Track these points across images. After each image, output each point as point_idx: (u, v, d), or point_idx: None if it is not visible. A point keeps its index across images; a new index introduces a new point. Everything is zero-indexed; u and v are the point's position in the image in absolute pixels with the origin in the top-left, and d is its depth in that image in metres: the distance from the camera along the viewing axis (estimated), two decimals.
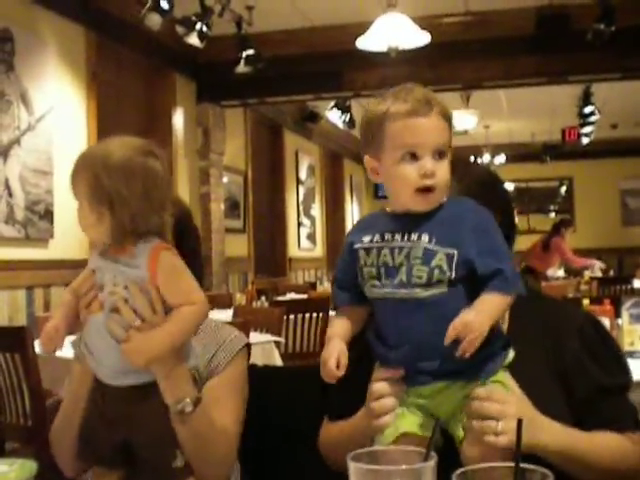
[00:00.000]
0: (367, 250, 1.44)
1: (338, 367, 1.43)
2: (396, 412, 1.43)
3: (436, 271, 1.37)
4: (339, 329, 1.49)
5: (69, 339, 1.68)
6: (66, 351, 1.80)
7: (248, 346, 1.92)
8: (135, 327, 1.51)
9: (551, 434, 1.47)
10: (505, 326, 1.65)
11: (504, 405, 1.39)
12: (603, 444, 1.55)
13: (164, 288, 1.52)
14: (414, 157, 1.40)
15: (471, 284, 1.38)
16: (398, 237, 1.41)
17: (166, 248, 1.53)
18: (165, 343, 1.52)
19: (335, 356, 1.43)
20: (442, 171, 1.41)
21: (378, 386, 1.46)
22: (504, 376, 1.44)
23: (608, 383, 1.63)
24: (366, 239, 1.45)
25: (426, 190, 1.40)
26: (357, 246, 1.46)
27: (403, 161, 1.41)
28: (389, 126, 1.42)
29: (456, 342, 1.33)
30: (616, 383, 1.65)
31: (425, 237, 1.39)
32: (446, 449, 1.38)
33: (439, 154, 1.41)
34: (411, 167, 1.40)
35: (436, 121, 1.41)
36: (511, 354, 1.46)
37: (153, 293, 1.51)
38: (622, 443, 1.58)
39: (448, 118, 1.44)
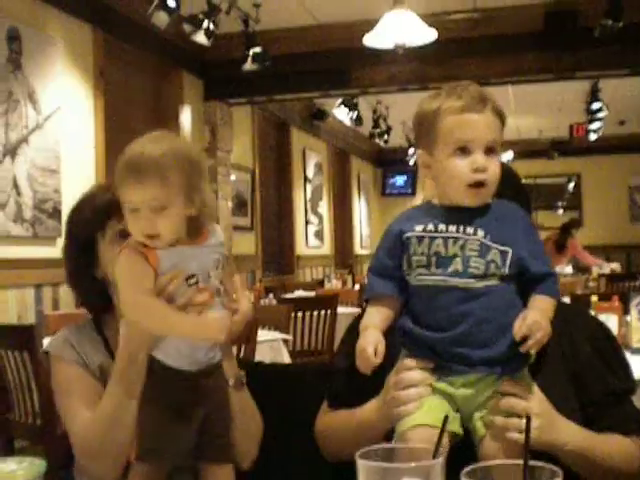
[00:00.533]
0: (419, 239, 1.46)
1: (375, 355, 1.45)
2: (422, 401, 1.44)
3: (492, 265, 1.41)
4: (375, 319, 1.50)
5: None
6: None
7: None
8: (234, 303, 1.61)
9: (570, 434, 1.50)
10: None
11: (529, 403, 1.43)
12: (613, 446, 1.59)
13: None
14: (466, 152, 1.44)
15: (518, 280, 1.44)
16: (452, 228, 1.44)
17: None
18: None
19: (373, 344, 1.44)
20: (493, 167, 1.44)
21: (406, 376, 1.47)
22: (527, 375, 1.47)
23: (618, 388, 1.67)
24: (418, 228, 1.47)
25: (477, 185, 1.43)
26: (409, 234, 1.47)
27: (455, 156, 1.44)
28: (443, 121, 1.45)
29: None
30: (624, 387, 1.69)
31: (481, 232, 1.43)
32: (465, 444, 1.39)
33: (490, 150, 1.44)
34: (463, 162, 1.44)
35: (490, 117, 1.45)
36: (532, 355, 1.48)
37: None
38: (628, 446, 1.62)
39: (501, 115, 1.48)
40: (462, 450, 1.29)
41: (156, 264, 1.50)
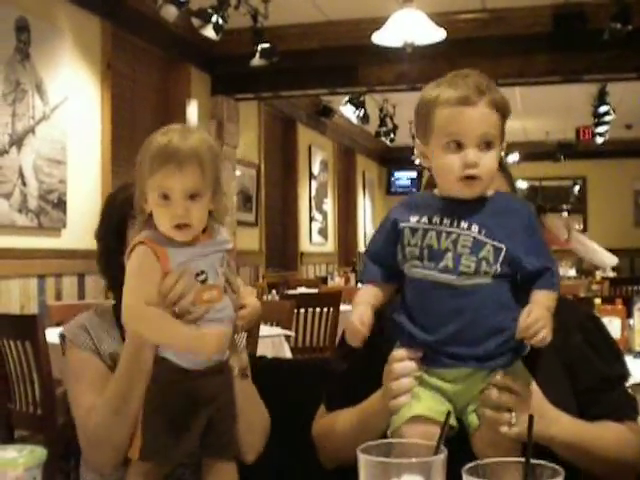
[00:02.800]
0: (413, 230, 1.44)
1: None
2: (413, 392, 1.44)
3: (483, 262, 1.39)
4: (367, 297, 1.50)
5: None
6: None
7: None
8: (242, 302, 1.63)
9: (560, 426, 1.49)
10: None
11: (520, 397, 1.42)
12: (607, 435, 1.58)
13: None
14: (459, 146, 1.41)
15: (513, 277, 1.41)
16: (447, 222, 1.42)
17: None
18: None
19: (359, 316, 1.45)
20: (487, 161, 1.41)
21: (397, 366, 1.46)
22: (521, 368, 1.46)
23: (609, 373, 1.67)
24: (413, 219, 1.45)
25: (469, 178, 1.41)
26: (403, 225, 1.46)
27: (448, 149, 1.42)
28: (437, 113, 1.43)
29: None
30: (616, 374, 1.69)
31: (475, 227, 1.40)
32: (459, 437, 1.39)
33: (486, 144, 1.41)
34: (455, 156, 1.41)
35: (484, 110, 1.41)
36: (527, 347, 1.47)
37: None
38: (624, 433, 1.61)
39: (501, 108, 1.43)
40: (458, 444, 1.29)
41: (166, 263, 1.49)
